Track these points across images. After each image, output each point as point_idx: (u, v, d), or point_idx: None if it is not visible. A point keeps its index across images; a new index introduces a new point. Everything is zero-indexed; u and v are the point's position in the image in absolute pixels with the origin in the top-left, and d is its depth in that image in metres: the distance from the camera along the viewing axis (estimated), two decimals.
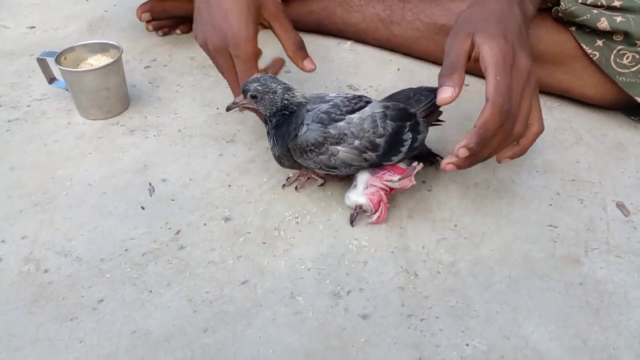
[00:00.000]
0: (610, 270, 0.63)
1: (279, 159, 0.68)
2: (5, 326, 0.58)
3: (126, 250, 0.66)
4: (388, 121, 0.64)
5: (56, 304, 0.60)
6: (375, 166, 0.67)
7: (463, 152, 0.59)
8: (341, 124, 0.64)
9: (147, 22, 1.07)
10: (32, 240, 0.67)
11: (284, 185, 0.73)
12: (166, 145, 0.82)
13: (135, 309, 0.59)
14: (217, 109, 0.90)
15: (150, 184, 0.75)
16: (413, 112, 0.67)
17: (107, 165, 0.78)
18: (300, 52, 0.74)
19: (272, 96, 0.64)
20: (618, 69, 0.79)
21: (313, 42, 1.05)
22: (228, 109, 0.68)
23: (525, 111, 0.62)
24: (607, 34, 0.78)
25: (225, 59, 0.71)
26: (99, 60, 0.87)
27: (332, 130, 0.63)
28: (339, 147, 0.64)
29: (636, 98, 0.79)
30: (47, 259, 0.65)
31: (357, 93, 0.70)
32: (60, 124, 0.87)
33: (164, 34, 1.10)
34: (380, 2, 0.99)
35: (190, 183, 0.75)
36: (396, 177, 0.67)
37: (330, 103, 0.65)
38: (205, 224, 0.69)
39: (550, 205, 0.71)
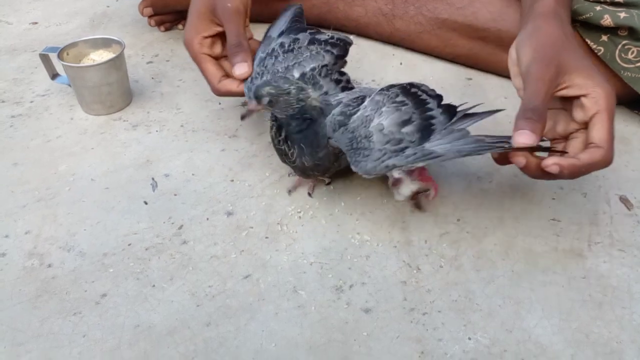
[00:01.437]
0: (614, 264, 0.63)
1: (305, 170, 0.66)
2: (9, 321, 0.58)
3: (129, 244, 0.66)
4: (388, 92, 0.63)
5: (60, 298, 0.60)
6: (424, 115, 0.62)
7: (554, 169, 0.56)
8: (357, 114, 0.62)
9: (149, 17, 1.08)
10: (36, 235, 0.67)
11: (289, 192, 0.72)
12: (169, 140, 0.82)
13: (138, 303, 0.59)
14: (220, 104, 0.90)
15: (152, 178, 0.75)
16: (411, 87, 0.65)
17: (110, 161, 0.78)
18: (232, 57, 0.71)
19: (286, 97, 0.60)
20: (623, 64, 0.79)
21: None
22: (242, 117, 0.64)
23: None
24: (611, 29, 0.78)
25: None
26: (101, 56, 0.87)
27: (352, 123, 0.62)
28: (376, 120, 0.61)
29: None
30: (51, 253, 0.65)
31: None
32: (63, 119, 0.87)
33: (166, 29, 1.10)
34: None
35: (193, 178, 0.75)
36: None
37: (341, 104, 0.64)
38: (207, 219, 0.69)
39: (553, 199, 0.71)
